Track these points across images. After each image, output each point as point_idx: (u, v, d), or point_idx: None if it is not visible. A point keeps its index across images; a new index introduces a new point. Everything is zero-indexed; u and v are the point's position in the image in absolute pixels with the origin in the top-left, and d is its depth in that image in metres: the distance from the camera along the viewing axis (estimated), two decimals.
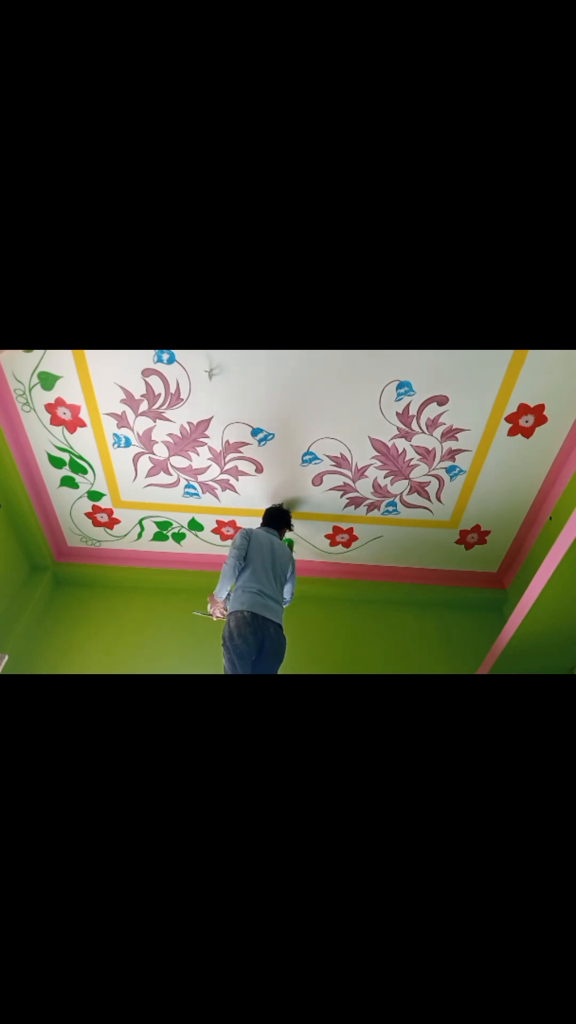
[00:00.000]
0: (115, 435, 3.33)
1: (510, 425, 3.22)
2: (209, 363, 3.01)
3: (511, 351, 2.94)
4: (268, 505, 3.61)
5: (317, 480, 3.52)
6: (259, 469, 3.48)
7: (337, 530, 3.80)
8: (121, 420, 3.26)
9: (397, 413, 3.18)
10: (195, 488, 3.59)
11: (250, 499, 3.64)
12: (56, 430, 3.33)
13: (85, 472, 3.53)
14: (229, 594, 3.04)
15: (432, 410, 3.17)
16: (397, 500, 3.61)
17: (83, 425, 3.29)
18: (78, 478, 3.57)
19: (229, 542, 3.90)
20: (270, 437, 3.31)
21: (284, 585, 3.14)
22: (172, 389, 3.12)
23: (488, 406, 3.14)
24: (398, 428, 3.25)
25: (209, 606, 3.18)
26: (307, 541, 3.87)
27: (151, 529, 3.85)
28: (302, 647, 3.76)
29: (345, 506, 3.65)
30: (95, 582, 4.02)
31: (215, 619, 3.20)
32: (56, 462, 3.48)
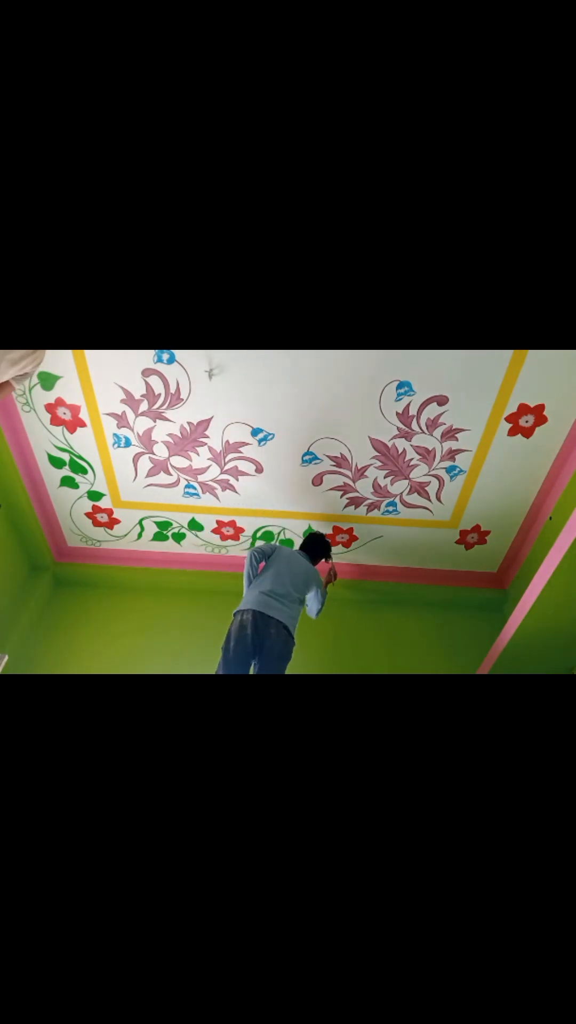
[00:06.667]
0: (115, 435, 3.33)
1: (510, 425, 3.22)
2: (209, 363, 3.01)
3: (511, 351, 2.94)
4: (268, 505, 3.64)
5: (317, 480, 3.52)
6: (259, 469, 3.48)
7: (337, 530, 3.80)
8: (121, 420, 3.26)
9: (397, 413, 3.18)
10: (195, 488, 3.59)
11: (250, 499, 3.64)
12: (56, 430, 3.33)
13: (85, 472, 3.53)
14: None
15: (432, 410, 3.17)
16: (397, 500, 3.61)
17: (83, 425, 3.29)
18: (78, 478, 3.56)
19: (229, 542, 3.91)
20: (270, 437, 3.31)
21: (303, 594, 3.20)
22: (172, 389, 3.12)
23: (488, 406, 3.14)
24: (398, 428, 3.25)
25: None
26: None
27: (151, 529, 3.85)
28: (302, 647, 3.75)
29: (345, 506, 3.65)
30: (95, 582, 4.02)
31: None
32: (56, 462, 3.48)
